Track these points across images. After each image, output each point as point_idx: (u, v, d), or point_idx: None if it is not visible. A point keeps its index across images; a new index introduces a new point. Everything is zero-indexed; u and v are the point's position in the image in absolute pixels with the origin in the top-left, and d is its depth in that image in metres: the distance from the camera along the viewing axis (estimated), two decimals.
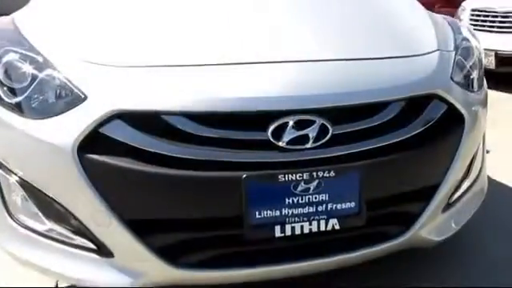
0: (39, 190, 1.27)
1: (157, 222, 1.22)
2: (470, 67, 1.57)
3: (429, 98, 1.37)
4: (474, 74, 1.57)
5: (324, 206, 1.24)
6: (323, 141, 1.21)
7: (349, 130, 1.25)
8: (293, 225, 1.23)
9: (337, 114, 1.23)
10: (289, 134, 1.19)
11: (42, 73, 1.27)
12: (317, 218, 1.24)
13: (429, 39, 1.52)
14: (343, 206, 1.25)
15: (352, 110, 1.25)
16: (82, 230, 1.26)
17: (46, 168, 1.23)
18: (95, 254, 1.27)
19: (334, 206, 1.24)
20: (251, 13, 1.48)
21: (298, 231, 1.23)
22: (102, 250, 1.26)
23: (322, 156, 1.21)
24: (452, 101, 1.40)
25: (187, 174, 1.17)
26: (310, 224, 1.24)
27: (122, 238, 1.22)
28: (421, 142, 1.33)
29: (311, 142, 1.20)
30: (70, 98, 1.22)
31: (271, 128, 1.19)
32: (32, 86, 1.27)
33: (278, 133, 1.19)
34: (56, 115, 1.22)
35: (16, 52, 1.33)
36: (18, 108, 1.28)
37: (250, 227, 1.20)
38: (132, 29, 1.38)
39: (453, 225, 1.54)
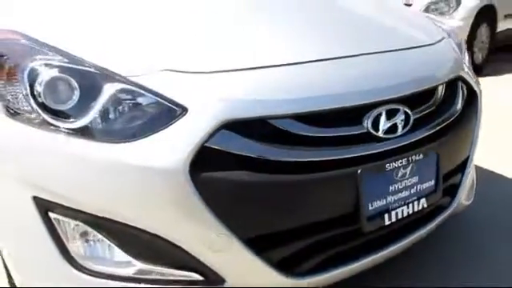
0: (127, 226, 1.07)
1: (275, 235, 1.13)
2: (462, 49, 1.79)
3: (456, 80, 1.54)
4: (466, 55, 1.81)
5: (415, 187, 1.31)
6: (409, 126, 1.28)
7: (421, 114, 1.34)
8: (396, 210, 1.27)
9: (412, 100, 1.31)
10: (384, 124, 1.22)
11: (110, 87, 1.06)
12: (411, 200, 1.30)
13: (433, 29, 1.70)
14: (426, 185, 1.34)
15: (420, 96, 1.34)
16: (187, 262, 1.10)
17: (142, 197, 1.04)
18: (201, 285, 1.13)
19: (421, 186, 1.32)
20: (296, 14, 1.47)
21: (399, 216, 1.28)
22: (211, 279, 1.12)
23: (411, 141, 1.28)
24: (469, 80, 1.59)
25: (306, 177, 1.12)
26: (408, 207, 1.30)
27: (240, 260, 1.10)
28: (463, 118, 1.49)
29: (400, 129, 1.25)
30: (163, 113, 1.05)
31: (369, 120, 1.21)
32: (99, 105, 1.06)
33: (374, 124, 1.22)
34: (150, 134, 1.04)
35: (53, 66, 1.09)
36: (84, 132, 1.05)
37: (365, 220, 1.21)
38: (191, 33, 1.24)
39: (472, 189, 1.76)
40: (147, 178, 1.03)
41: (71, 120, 1.06)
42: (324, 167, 1.13)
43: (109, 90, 1.06)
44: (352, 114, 1.19)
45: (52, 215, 1.10)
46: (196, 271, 1.12)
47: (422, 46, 1.51)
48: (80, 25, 1.22)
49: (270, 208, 1.11)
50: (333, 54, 1.27)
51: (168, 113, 1.05)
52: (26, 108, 1.09)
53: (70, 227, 1.10)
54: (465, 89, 1.56)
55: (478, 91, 1.62)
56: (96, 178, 1.05)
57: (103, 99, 1.06)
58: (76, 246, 1.11)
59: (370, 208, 1.21)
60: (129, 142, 1.04)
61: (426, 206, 1.34)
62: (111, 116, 1.06)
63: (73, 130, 1.06)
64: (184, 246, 1.08)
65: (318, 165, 1.13)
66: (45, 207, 1.10)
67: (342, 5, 1.72)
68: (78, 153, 1.05)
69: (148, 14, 1.31)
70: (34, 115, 1.07)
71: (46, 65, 1.09)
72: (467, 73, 1.61)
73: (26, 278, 1.17)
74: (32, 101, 1.08)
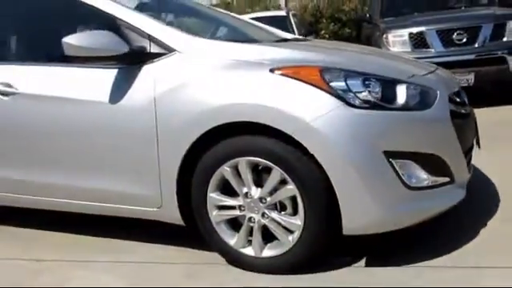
0: (429, 154, 2.00)
1: (466, 152, 2.24)
2: None
3: None
4: None
5: None
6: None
7: None
8: None
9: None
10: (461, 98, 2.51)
11: (402, 86, 2.02)
12: None
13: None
14: None
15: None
16: (445, 171, 2.08)
17: (436, 136, 2.05)
18: (448, 185, 2.11)
19: None
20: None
21: None
22: (451, 179, 2.11)
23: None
24: None
25: (464, 120, 2.30)
26: None
27: (461, 164, 2.16)
28: None
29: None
30: (432, 94, 2.08)
31: (458, 96, 2.46)
32: (404, 94, 2.01)
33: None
34: (432, 104, 2.03)
35: (370, 80, 1.99)
36: (403, 108, 1.99)
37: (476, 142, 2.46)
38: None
39: None
40: (438, 125, 2.04)
41: (392, 102, 1.97)
42: (465, 115, 2.33)
43: (402, 87, 2.00)
44: (456, 94, 2.44)
45: (393, 160, 1.92)
46: (446, 176, 2.10)
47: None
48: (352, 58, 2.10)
49: (462, 135, 2.21)
50: (422, 71, 2.49)
51: (434, 93, 2.07)
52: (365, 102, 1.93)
53: (402, 165, 1.94)
54: None
55: None
56: (416, 130, 1.99)
57: (403, 92, 1.99)
58: (405, 173, 1.95)
59: None
60: (424, 109, 2.01)
61: None
62: (413, 98, 2.01)
63: (396, 108, 1.96)
64: (447, 161, 2.07)
65: (464, 114, 2.32)
66: (389, 156, 1.91)
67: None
68: (401, 119, 1.96)
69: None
70: (377, 104, 1.93)
71: (373, 80, 1.98)
72: None
73: (379, 202, 1.92)
74: (371, 97, 1.93)
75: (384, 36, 5.74)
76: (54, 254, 2.57)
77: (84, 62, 2.30)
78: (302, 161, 1.95)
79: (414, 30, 5.52)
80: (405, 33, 5.57)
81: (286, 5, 11.65)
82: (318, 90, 1.93)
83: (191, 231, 2.31)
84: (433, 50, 5.41)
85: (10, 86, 2.56)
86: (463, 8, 6.30)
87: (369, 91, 1.94)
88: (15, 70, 2.62)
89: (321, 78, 1.94)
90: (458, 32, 5.33)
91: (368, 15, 7.06)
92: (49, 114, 2.45)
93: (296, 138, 1.92)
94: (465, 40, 5.32)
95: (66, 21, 2.58)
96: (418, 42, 5.49)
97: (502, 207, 2.55)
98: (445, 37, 5.38)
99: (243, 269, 2.18)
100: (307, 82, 1.94)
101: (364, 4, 10.49)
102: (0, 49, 2.73)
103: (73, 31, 2.31)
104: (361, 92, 1.94)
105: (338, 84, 1.94)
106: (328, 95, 1.92)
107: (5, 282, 2.35)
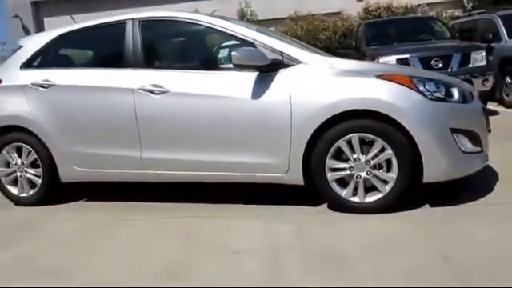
0: (471, 131, 3.14)
1: None
2: None
3: None
4: None
5: None
6: None
7: None
8: None
9: None
10: None
11: (455, 89, 3.16)
12: None
13: None
14: None
15: None
16: (479, 143, 3.22)
17: (476, 119, 3.21)
18: (479, 153, 3.25)
19: None
20: None
21: None
22: (481, 150, 3.26)
23: None
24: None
25: None
26: None
27: (487, 140, 3.32)
28: None
29: None
30: (471, 94, 3.24)
31: None
32: (457, 93, 3.16)
33: None
34: (471, 101, 3.20)
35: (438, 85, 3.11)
36: (457, 101, 3.12)
37: None
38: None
39: None
40: (476, 113, 3.23)
41: (452, 98, 3.11)
42: (485, 109, 3.52)
43: (455, 89, 3.16)
44: None
45: (454, 134, 3.04)
46: (479, 146, 3.25)
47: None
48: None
49: (486, 121, 3.39)
50: (459, 80, 3.69)
51: (471, 93, 3.26)
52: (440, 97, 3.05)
53: (459, 137, 3.06)
54: None
55: None
56: (465, 115, 3.16)
57: (456, 92, 3.14)
58: (460, 143, 3.08)
59: None
60: (468, 103, 3.17)
61: None
62: (462, 96, 3.16)
63: (454, 101, 3.10)
64: (480, 136, 3.22)
65: (484, 108, 3.51)
66: (452, 131, 3.03)
67: None
68: (457, 108, 3.12)
69: None
70: (444, 99, 3.06)
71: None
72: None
73: (448, 160, 3.02)
74: (440, 94, 3.05)
75: (375, 61, 7.04)
76: (186, 213, 3.45)
77: (233, 69, 3.26)
78: (396, 134, 3.02)
79: (401, 56, 6.87)
80: (393, 58, 6.89)
81: None
82: (409, 89, 3.04)
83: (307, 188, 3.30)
84: None
85: (159, 86, 3.44)
86: (433, 40, 7.80)
87: (439, 91, 3.08)
88: (163, 74, 3.51)
89: (411, 81, 3.05)
90: (435, 59, 6.74)
91: (354, 44, 8.40)
92: (199, 107, 3.36)
93: (396, 118, 3.00)
94: (440, 65, 6.73)
95: (211, 41, 3.55)
96: (404, 65, 6.84)
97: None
98: (425, 62, 6.76)
99: (349, 212, 3.19)
100: (403, 84, 3.05)
101: (335, 33, 11.98)
102: (149, 59, 3.60)
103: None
104: (434, 91, 3.07)
105: (420, 85, 3.06)
106: (415, 92, 3.03)
107: (168, 231, 3.21)
